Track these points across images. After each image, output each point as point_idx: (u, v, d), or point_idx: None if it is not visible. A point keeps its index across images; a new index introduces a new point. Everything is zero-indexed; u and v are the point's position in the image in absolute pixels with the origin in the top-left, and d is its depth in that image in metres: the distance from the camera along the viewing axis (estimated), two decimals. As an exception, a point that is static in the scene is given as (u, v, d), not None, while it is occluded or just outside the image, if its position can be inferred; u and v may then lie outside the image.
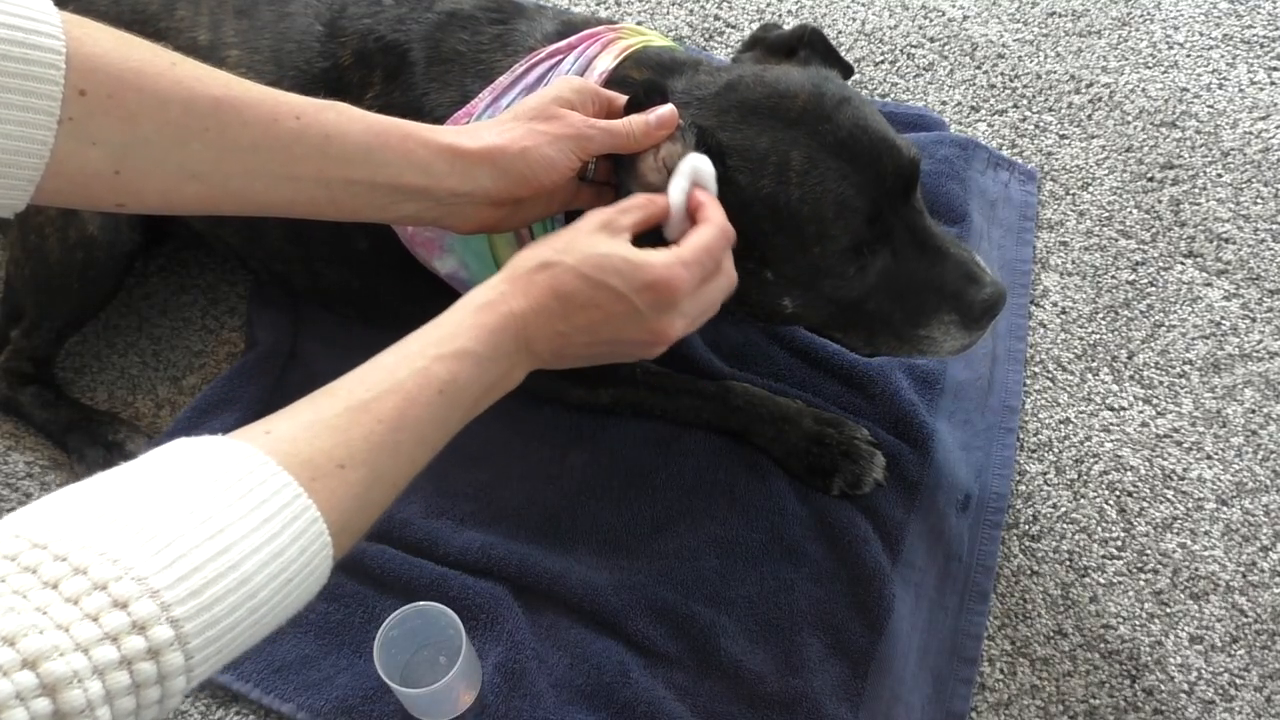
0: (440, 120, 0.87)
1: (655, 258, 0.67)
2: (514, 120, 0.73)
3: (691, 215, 0.72)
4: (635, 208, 0.71)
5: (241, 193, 0.64)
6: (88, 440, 1.05)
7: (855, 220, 0.79)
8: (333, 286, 1.04)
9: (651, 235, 0.72)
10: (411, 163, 0.68)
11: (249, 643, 0.50)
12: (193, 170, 0.62)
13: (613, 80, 0.84)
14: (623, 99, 0.78)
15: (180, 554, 0.46)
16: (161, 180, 0.61)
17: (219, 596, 0.46)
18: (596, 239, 0.68)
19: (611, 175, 0.77)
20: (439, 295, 0.95)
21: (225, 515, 0.48)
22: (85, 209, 0.61)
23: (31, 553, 0.43)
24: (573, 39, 0.88)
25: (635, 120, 0.74)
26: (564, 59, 0.86)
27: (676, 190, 0.72)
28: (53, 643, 0.41)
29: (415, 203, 0.70)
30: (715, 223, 0.71)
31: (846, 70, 0.89)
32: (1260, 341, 1.14)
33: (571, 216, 0.83)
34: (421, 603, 0.87)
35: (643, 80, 0.80)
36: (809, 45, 0.86)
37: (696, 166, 0.73)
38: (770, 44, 0.89)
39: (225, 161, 0.62)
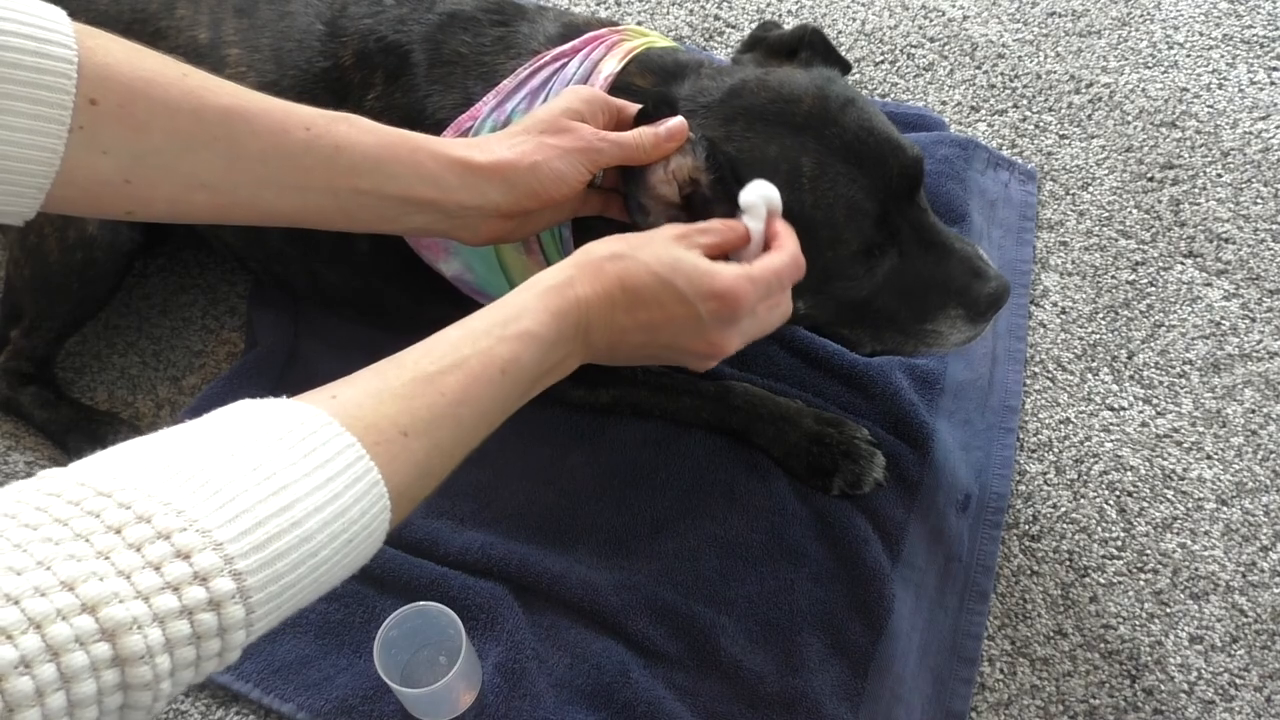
0: (443, 123, 0.87)
1: (725, 269, 0.68)
2: (524, 133, 0.73)
3: (767, 243, 0.73)
4: (714, 230, 0.72)
5: (250, 202, 0.65)
6: (88, 440, 1.05)
7: (865, 223, 0.79)
8: (333, 287, 1.04)
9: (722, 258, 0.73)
10: (421, 175, 0.68)
11: (307, 600, 0.50)
12: (202, 179, 0.62)
13: (617, 86, 0.84)
14: (633, 108, 0.78)
15: (244, 509, 0.46)
16: (171, 189, 0.61)
17: (281, 552, 0.46)
18: (672, 245, 0.69)
19: (620, 183, 0.78)
20: (440, 296, 0.95)
21: (289, 473, 0.48)
22: (94, 217, 0.61)
23: (96, 499, 0.43)
24: (577, 42, 0.88)
25: (645, 133, 0.75)
26: (569, 62, 0.86)
27: (756, 221, 0.72)
28: (113, 589, 0.41)
29: (424, 215, 0.70)
30: (789, 251, 0.71)
31: (845, 68, 0.89)
32: (1260, 341, 1.14)
33: (579, 223, 0.83)
34: (421, 603, 0.87)
35: (654, 92, 0.79)
36: (809, 45, 0.86)
37: (767, 195, 0.73)
38: (771, 44, 0.89)
39: (234, 171, 0.63)
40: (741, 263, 0.72)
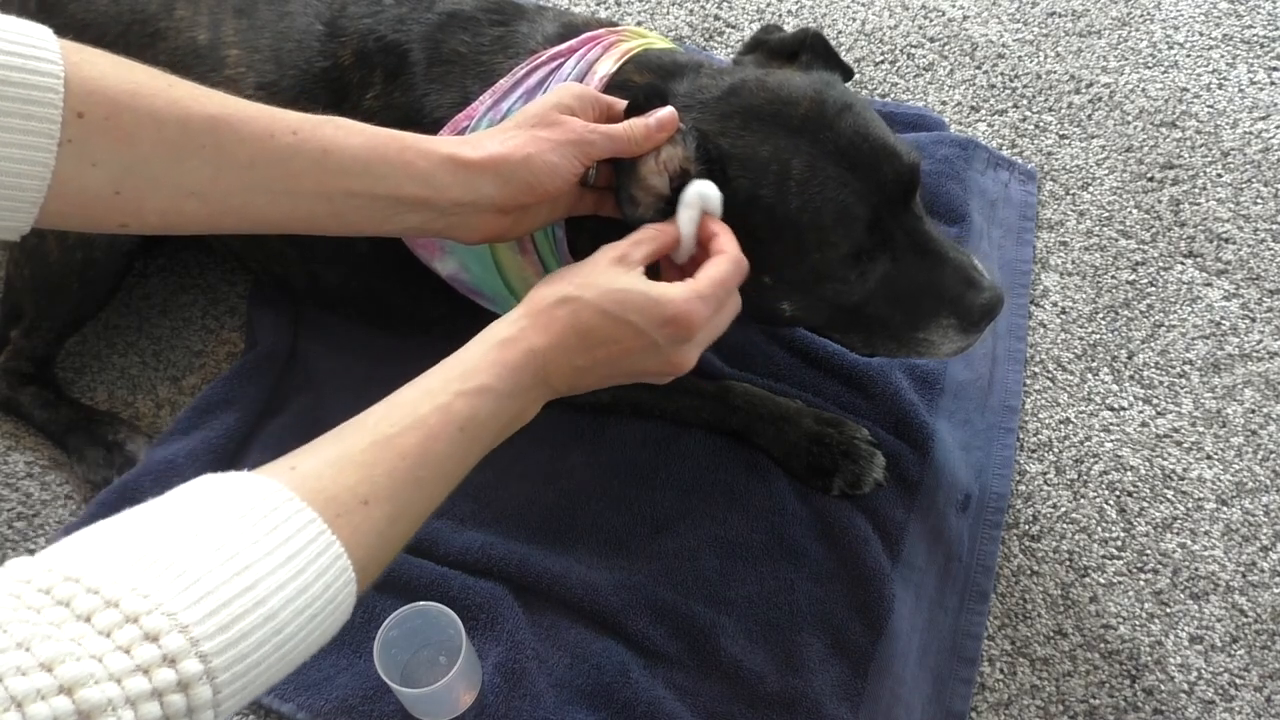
0: (441, 121, 0.87)
1: (673, 292, 0.68)
2: (515, 128, 0.73)
3: (704, 244, 0.73)
4: (647, 240, 0.72)
5: (242, 209, 0.65)
6: (88, 440, 1.05)
7: (856, 227, 0.79)
8: (332, 287, 1.04)
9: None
10: (411, 174, 0.68)
11: (275, 677, 0.50)
12: (191, 188, 0.62)
13: (614, 84, 0.84)
14: (622, 104, 0.78)
15: (208, 590, 0.47)
16: (161, 199, 0.62)
17: (246, 632, 0.47)
18: (614, 273, 0.69)
19: (612, 180, 0.78)
20: (438, 296, 0.95)
21: (251, 552, 0.49)
22: (89, 231, 0.62)
23: (65, 586, 0.44)
24: (574, 42, 0.88)
25: (635, 124, 0.75)
26: (565, 62, 0.86)
27: (687, 221, 0.73)
28: (88, 670, 0.41)
29: (418, 214, 0.70)
30: (729, 255, 0.72)
31: (847, 73, 0.89)
32: (1260, 341, 1.14)
33: (572, 222, 0.83)
34: (421, 603, 0.86)
35: (642, 84, 0.80)
36: (810, 49, 0.86)
37: (704, 193, 0.73)
38: (772, 47, 0.89)
39: (223, 178, 0.63)
40: (677, 259, 0.73)
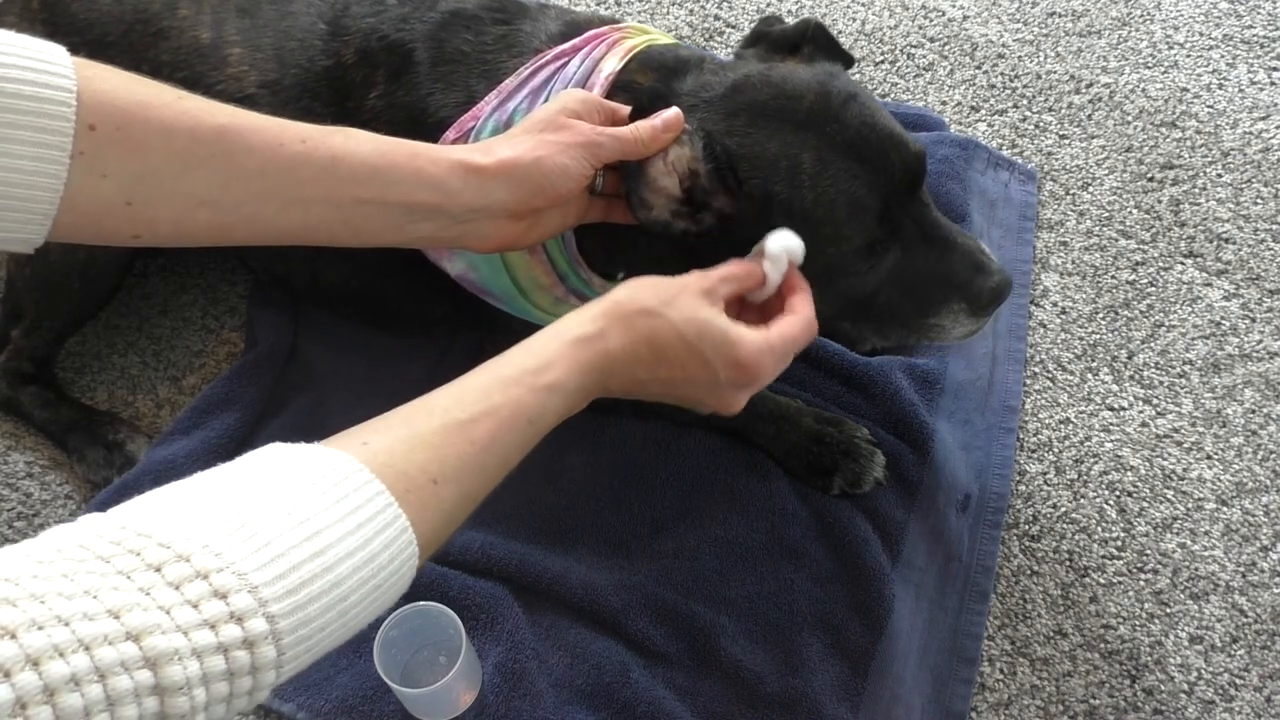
0: (446, 121, 0.87)
1: (749, 338, 0.69)
2: (524, 133, 0.74)
3: (784, 294, 0.75)
4: (734, 279, 0.73)
5: (253, 219, 0.66)
6: (88, 440, 1.05)
7: (868, 219, 0.79)
8: (334, 286, 1.04)
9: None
10: (422, 180, 0.69)
11: (334, 643, 0.51)
12: (201, 198, 0.63)
13: (619, 84, 0.85)
14: (625, 110, 0.78)
15: (279, 553, 0.47)
16: (172, 209, 0.63)
17: (313, 596, 0.48)
18: (700, 304, 0.70)
19: (620, 187, 0.78)
20: (440, 295, 0.95)
21: (322, 518, 0.50)
22: (101, 243, 0.63)
23: (137, 540, 0.45)
24: (578, 40, 0.88)
25: (642, 126, 0.75)
26: (570, 61, 0.86)
27: (775, 272, 0.74)
28: (155, 620, 0.42)
29: (430, 222, 0.71)
30: (804, 317, 0.73)
31: (848, 62, 0.88)
32: (1260, 341, 1.14)
33: (581, 231, 0.83)
34: (421, 603, 0.86)
35: (645, 88, 0.80)
36: (812, 40, 0.86)
37: (790, 247, 0.74)
38: (774, 39, 0.89)
39: (233, 187, 0.63)
40: (753, 300, 0.75)
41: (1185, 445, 1.07)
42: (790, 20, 0.91)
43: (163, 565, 0.44)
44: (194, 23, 0.96)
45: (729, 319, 0.70)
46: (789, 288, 0.75)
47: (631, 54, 0.86)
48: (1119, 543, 1.01)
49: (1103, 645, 0.96)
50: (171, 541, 0.45)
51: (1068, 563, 1.00)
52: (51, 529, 0.46)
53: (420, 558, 0.55)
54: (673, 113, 0.76)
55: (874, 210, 0.79)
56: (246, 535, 0.47)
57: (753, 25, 0.92)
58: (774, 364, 0.71)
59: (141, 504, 0.48)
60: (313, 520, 0.49)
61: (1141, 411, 1.09)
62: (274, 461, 0.53)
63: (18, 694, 0.37)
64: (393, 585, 0.53)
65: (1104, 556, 1.01)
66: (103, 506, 0.99)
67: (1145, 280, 1.19)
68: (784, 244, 0.74)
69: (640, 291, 0.70)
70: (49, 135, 0.56)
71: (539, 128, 0.73)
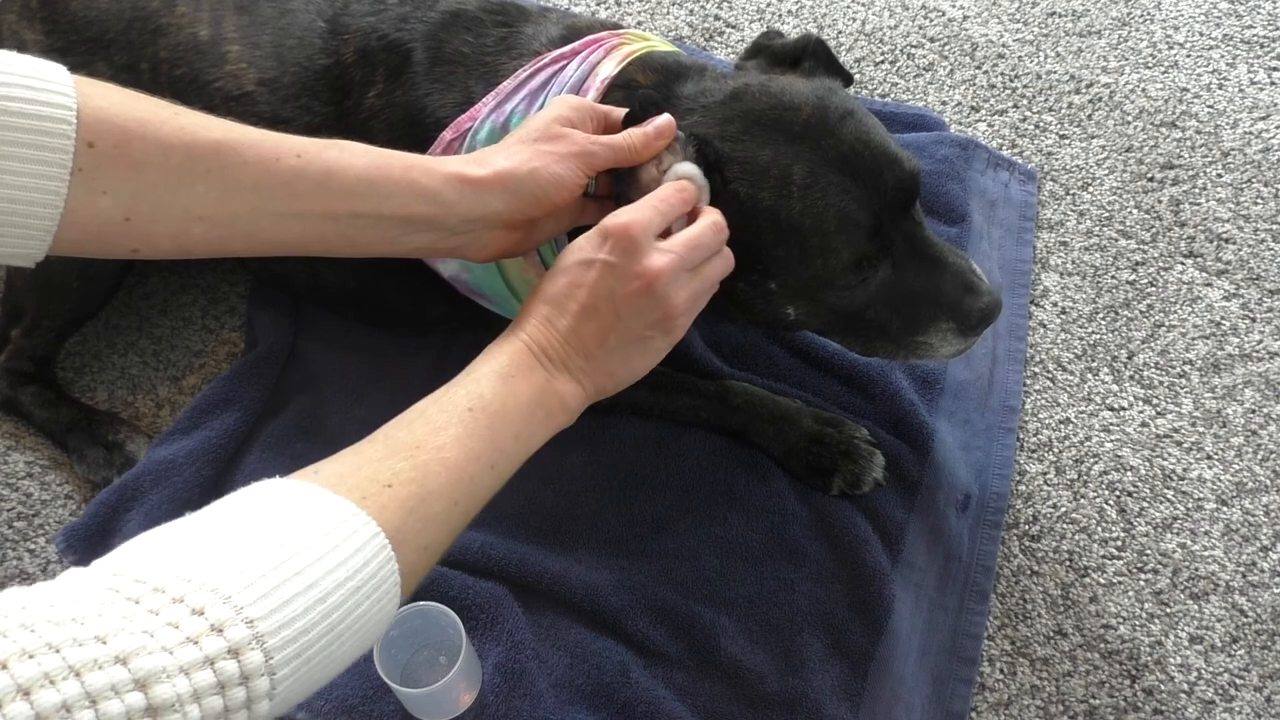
0: (443, 121, 0.88)
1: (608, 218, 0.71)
2: (519, 143, 0.74)
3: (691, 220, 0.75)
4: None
5: (250, 232, 0.66)
6: (88, 440, 1.05)
7: (857, 234, 0.79)
8: (333, 286, 1.04)
9: None
10: (417, 192, 0.69)
11: (333, 652, 0.52)
12: (198, 212, 0.64)
13: (617, 85, 0.85)
14: (620, 113, 0.79)
15: (246, 564, 0.49)
16: (170, 224, 0.64)
17: (287, 599, 0.50)
18: (573, 248, 0.72)
19: (611, 189, 0.78)
20: (438, 296, 0.95)
21: (296, 540, 0.52)
22: (102, 257, 0.65)
23: (133, 586, 0.47)
24: (576, 44, 0.88)
25: (634, 133, 0.76)
26: (568, 64, 0.86)
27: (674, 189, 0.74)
28: (140, 643, 0.43)
29: (426, 233, 0.72)
30: (710, 218, 0.73)
31: (847, 80, 0.89)
32: (1260, 341, 1.14)
33: (576, 233, 0.84)
34: (421, 603, 0.86)
35: (639, 94, 0.80)
36: (813, 55, 0.87)
37: (688, 172, 0.75)
38: (774, 53, 0.89)
39: (229, 201, 0.64)
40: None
41: (1185, 445, 1.07)
42: (789, 23, 0.92)
43: (140, 598, 0.46)
44: (192, 20, 0.96)
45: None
46: (694, 215, 0.75)
47: (629, 59, 0.87)
48: (1119, 543, 1.01)
49: (1103, 645, 0.96)
50: (146, 577, 0.47)
51: (1068, 563, 1.00)
52: (37, 586, 0.47)
53: (403, 562, 0.56)
54: (664, 119, 0.76)
55: (864, 226, 0.79)
56: (214, 556, 0.49)
57: (753, 27, 0.92)
58: (646, 215, 0.69)
59: (129, 551, 0.50)
60: (287, 544, 0.51)
61: (1141, 411, 1.09)
62: (241, 500, 0.55)
63: None
64: (375, 588, 0.55)
65: (1104, 556, 1.01)
66: (103, 506, 1.00)
67: (1145, 280, 1.19)
68: (687, 170, 0.75)
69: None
70: (49, 153, 0.57)
71: (533, 137, 0.74)
